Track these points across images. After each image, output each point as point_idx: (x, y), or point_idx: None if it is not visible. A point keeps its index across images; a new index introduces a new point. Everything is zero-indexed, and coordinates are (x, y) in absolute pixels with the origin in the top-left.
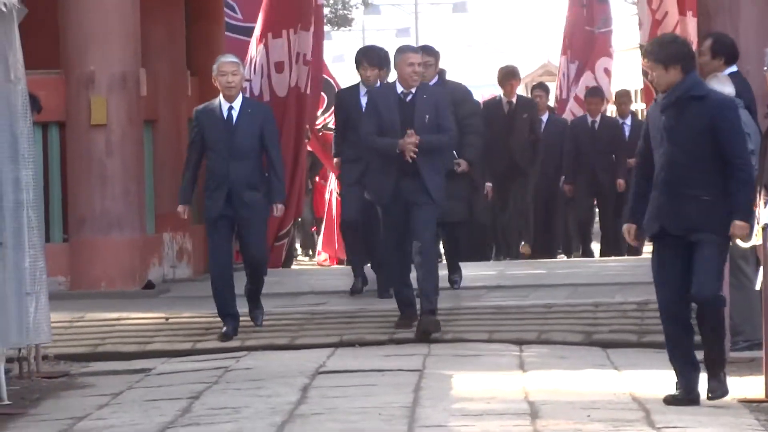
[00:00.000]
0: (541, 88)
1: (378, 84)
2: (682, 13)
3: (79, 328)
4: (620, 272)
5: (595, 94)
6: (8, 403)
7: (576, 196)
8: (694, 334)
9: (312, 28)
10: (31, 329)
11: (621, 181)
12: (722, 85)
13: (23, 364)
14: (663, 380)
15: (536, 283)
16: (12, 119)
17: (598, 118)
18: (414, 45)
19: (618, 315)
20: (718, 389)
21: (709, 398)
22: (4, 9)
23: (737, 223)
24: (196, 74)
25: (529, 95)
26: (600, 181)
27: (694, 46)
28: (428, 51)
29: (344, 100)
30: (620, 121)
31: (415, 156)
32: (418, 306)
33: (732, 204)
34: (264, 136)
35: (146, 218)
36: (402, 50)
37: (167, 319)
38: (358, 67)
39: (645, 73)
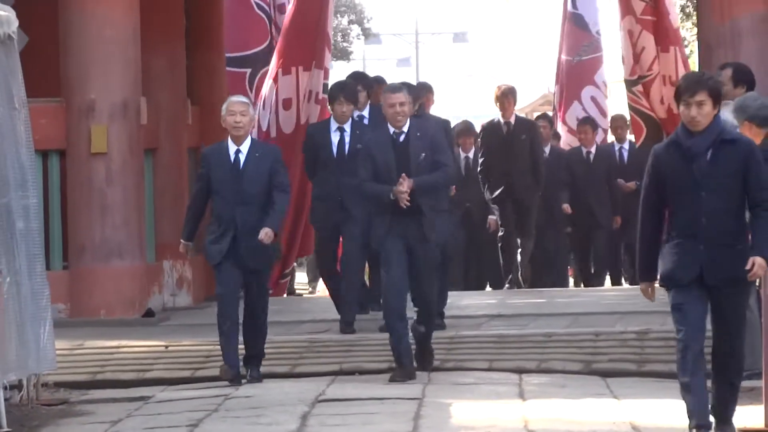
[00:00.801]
0: (545, 118)
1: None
2: (664, 49)
3: (78, 356)
4: (620, 302)
5: (585, 122)
6: (8, 430)
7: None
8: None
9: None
10: (41, 356)
11: (618, 218)
12: (729, 112)
13: (23, 392)
14: (662, 409)
15: (536, 312)
16: (18, 147)
17: (593, 149)
18: (413, 76)
19: (618, 344)
20: None
21: None
22: (12, 36)
23: (760, 261)
24: (197, 103)
25: None
26: (595, 214)
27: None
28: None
29: (313, 137)
30: (617, 146)
31: (409, 203)
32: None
33: (757, 241)
34: (271, 180)
35: (146, 246)
36: (384, 91)
37: (167, 347)
38: (333, 102)
39: (632, 108)
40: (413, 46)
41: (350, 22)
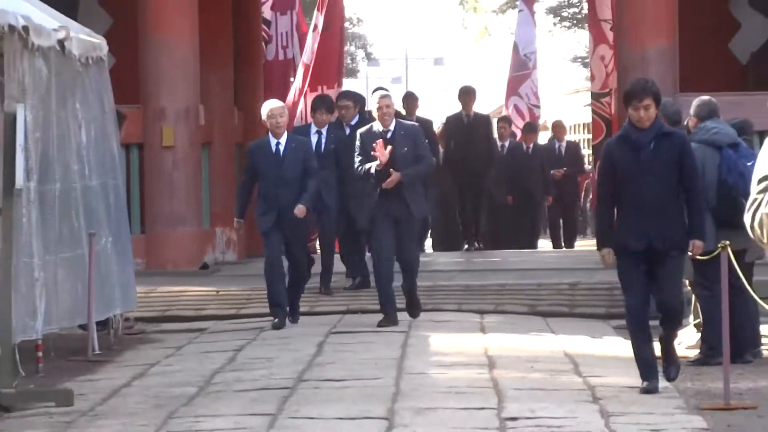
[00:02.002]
0: (505, 120)
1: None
2: (602, 41)
3: (152, 298)
4: (556, 261)
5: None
6: (99, 352)
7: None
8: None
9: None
10: (126, 298)
11: (550, 198)
12: None
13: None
14: (588, 341)
15: (494, 269)
16: (108, 142)
17: (530, 147)
18: (412, 92)
19: (555, 293)
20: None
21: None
22: (104, 58)
23: (699, 243)
24: (241, 109)
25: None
26: (533, 194)
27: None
28: (345, 96)
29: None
30: (556, 144)
31: (390, 185)
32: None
33: (693, 225)
34: (304, 166)
35: (203, 216)
36: (377, 96)
37: (218, 291)
38: (314, 111)
39: (596, 113)
40: (404, 67)
41: (356, 48)
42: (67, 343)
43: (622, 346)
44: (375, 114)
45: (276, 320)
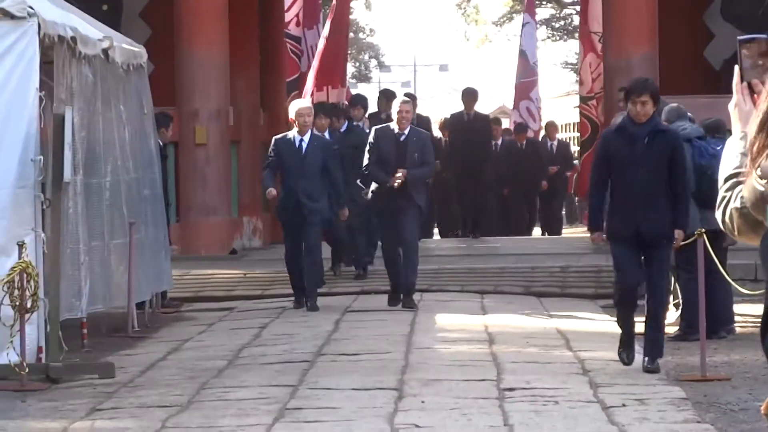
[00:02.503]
0: (496, 122)
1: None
2: (591, 50)
3: (186, 280)
4: (549, 247)
5: (520, 130)
6: (138, 329)
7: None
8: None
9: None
10: (162, 279)
11: (545, 183)
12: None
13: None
14: (578, 320)
15: (493, 253)
16: (147, 140)
17: (524, 143)
18: (411, 93)
19: (548, 275)
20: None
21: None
22: (143, 65)
23: (679, 231)
24: (267, 110)
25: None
26: (528, 186)
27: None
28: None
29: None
30: (549, 142)
31: (400, 183)
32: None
33: (677, 216)
34: (325, 163)
35: (232, 207)
36: (398, 101)
37: (245, 274)
38: (315, 117)
39: (583, 114)
40: (412, 73)
41: (370, 56)
42: (109, 321)
43: (608, 324)
44: (395, 116)
45: (297, 301)
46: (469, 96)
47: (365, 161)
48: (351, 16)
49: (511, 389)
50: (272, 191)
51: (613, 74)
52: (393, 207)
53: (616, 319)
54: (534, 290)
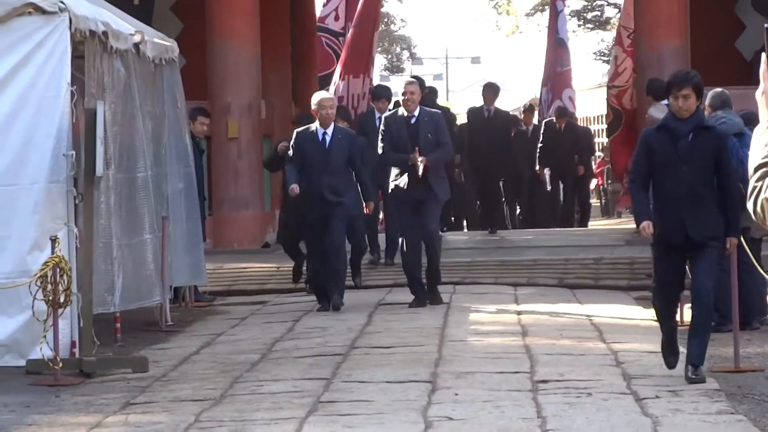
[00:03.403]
0: (529, 109)
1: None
2: (619, 43)
3: (219, 273)
4: (581, 239)
5: (562, 114)
6: (171, 323)
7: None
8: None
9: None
10: (196, 273)
11: (581, 168)
12: (657, 111)
13: (181, 297)
14: (611, 310)
15: (526, 245)
16: (180, 134)
17: (563, 126)
18: (444, 86)
19: (581, 267)
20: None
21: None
22: (175, 59)
23: (734, 240)
24: (298, 104)
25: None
26: (565, 170)
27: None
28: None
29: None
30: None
31: (424, 167)
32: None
33: (729, 221)
34: (350, 156)
35: (264, 200)
36: (403, 82)
37: (278, 268)
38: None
39: (608, 103)
40: (444, 65)
41: (402, 48)
42: (142, 315)
43: (642, 315)
44: (401, 99)
45: (320, 305)
46: (490, 91)
47: (379, 150)
48: (383, 9)
49: (544, 381)
50: (295, 188)
51: (645, 67)
52: (413, 197)
53: (659, 326)
54: (567, 282)
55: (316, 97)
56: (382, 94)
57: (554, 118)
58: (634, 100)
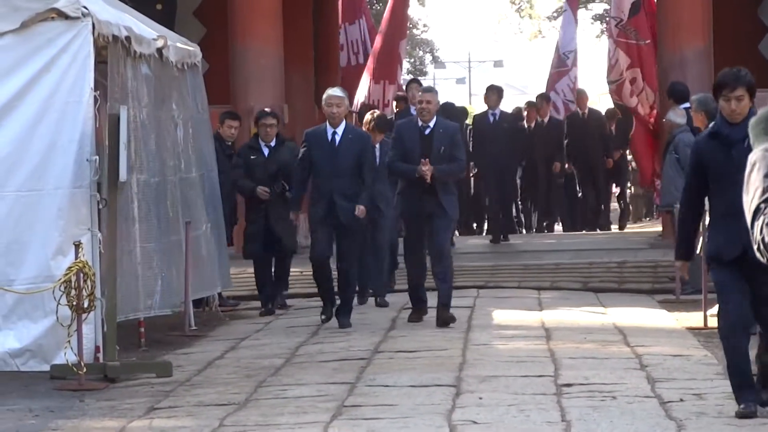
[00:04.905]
0: (545, 98)
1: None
2: (633, 64)
3: (243, 278)
4: (605, 242)
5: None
6: (195, 328)
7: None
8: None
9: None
10: (221, 278)
11: (610, 160)
12: (677, 115)
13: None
14: (635, 314)
15: (549, 249)
16: (204, 138)
17: (586, 112)
18: (466, 91)
19: (605, 270)
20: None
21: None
22: (198, 64)
23: None
24: (321, 107)
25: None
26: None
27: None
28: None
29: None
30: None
31: (431, 181)
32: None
33: None
34: (360, 158)
35: None
36: (419, 91)
37: (302, 272)
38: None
39: (614, 102)
40: (467, 69)
41: (424, 52)
42: (166, 319)
43: (665, 319)
44: (416, 107)
45: (323, 316)
46: (494, 93)
47: (389, 158)
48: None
49: (568, 385)
50: (296, 217)
51: (668, 70)
52: (420, 211)
53: (725, 356)
54: (591, 286)
55: (325, 93)
56: (383, 125)
57: (578, 110)
58: (643, 96)
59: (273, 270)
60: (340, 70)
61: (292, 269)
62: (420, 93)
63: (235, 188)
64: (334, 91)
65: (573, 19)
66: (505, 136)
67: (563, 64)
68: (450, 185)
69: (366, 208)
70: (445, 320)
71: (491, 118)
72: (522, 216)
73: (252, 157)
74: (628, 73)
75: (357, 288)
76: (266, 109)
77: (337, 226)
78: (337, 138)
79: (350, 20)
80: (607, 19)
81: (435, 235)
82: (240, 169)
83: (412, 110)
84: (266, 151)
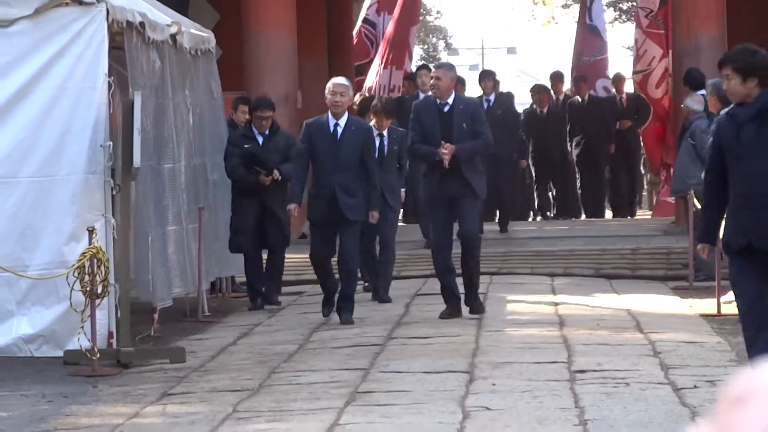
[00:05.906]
0: (558, 78)
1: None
2: (665, 54)
3: None
4: (618, 229)
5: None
6: (208, 314)
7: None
8: None
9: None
10: (230, 264)
11: (612, 146)
12: (694, 102)
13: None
14: (648, 301)
15: (562, 236)
16: (216, 124)
17: (586, 98)
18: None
19: (617, 257)
20: None
21: None
22: (212, 50)
23: None
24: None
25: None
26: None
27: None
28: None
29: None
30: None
31: (449, 165)
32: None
33: None
34: (363, 152)
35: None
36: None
37: None
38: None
39: (636, 93)
40: (480, 56)
41: (438, 39)
42: (180, 305)
43: (679, 305)
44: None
45: (325, 309)
46: (488, 79)
47: (409, 140)
48: None
49: (582, 371)
50: (294, 208)
51: (682, 56)
52: (446, 194)
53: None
54: (604, 272)
55: (330, 82)
56: (389, 109)
57: (576, 96)
58: (666, 88)
59: (264, 264)
60: (368, 63)
61: (302, 256)
62: (432, 70)
63: (233, 177)
64: (339, 80)
65: (602, 6)
66: (499, 122)
67: (604, 50)
68: (476, 162)
69: (378, 212)
70: (473, 309)
71: (485, 105)
72: (539, 201)
73: (246, 145)
74: (661, 62)
75: (366, 285)
76: (263, 98)
77: (338, 222)
78: (339, 129)
79: (389, 10)
80: (636, 9)
81: (463, 222)
82: (235, 158)
83: (420, 96)
84: (260, 140)
